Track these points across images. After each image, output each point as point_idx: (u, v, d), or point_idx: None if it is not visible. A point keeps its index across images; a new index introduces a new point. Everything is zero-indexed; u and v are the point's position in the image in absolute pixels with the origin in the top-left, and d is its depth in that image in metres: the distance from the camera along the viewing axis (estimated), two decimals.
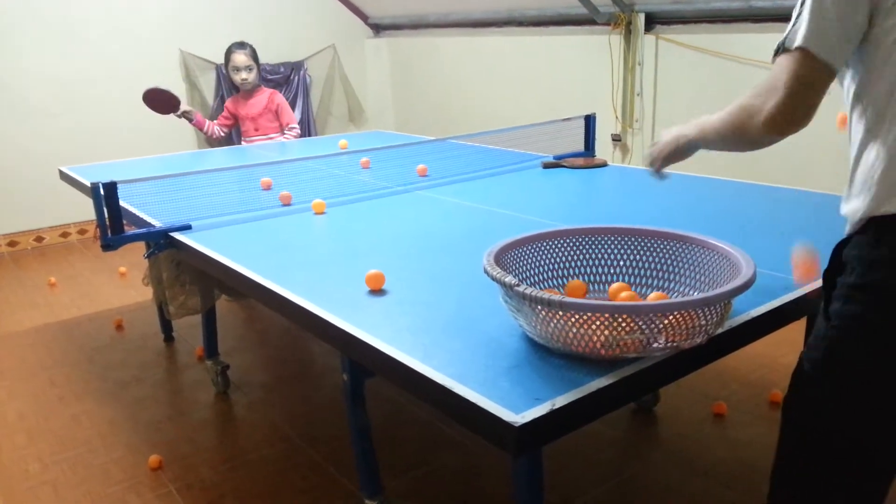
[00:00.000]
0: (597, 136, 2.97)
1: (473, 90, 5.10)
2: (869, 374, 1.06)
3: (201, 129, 3.96)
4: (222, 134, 4.02)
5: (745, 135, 1.13)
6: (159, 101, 3.72)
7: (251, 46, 3.94)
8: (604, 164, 2.75)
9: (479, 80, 5.03)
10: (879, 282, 1.03)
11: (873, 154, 1.04)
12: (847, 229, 1.10)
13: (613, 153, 4.17)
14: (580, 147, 2.94)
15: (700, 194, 2.27)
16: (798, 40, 1.04)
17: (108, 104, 4.84)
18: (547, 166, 2.76)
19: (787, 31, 1.06)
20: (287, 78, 5.40)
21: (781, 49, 1.07)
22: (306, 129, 5.45)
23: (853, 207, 1.08)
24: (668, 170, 1.46)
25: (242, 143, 4.03)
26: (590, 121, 2.95)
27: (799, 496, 1.18)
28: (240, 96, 3.99)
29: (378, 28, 5.90)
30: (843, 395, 1.09)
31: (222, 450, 2.30)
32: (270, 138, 3.97)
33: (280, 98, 4.03)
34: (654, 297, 1.32)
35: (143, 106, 3.71)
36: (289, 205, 2.31)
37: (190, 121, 3.87)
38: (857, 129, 1.08)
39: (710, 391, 2.50)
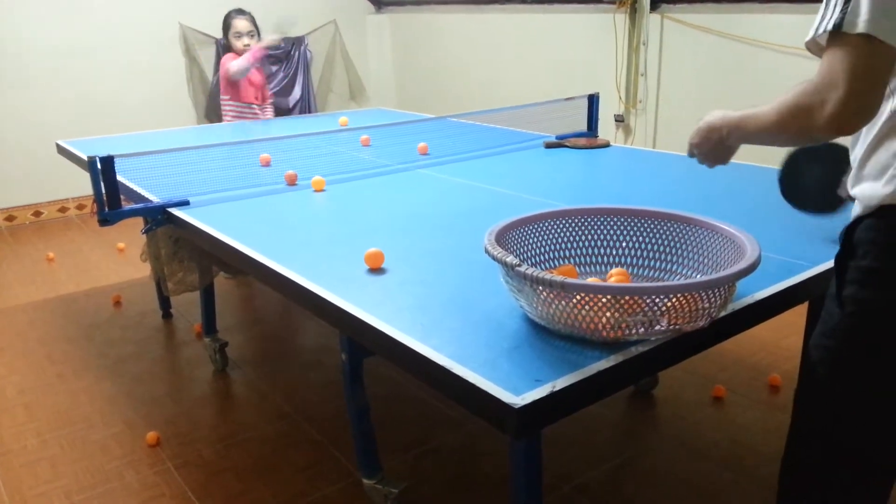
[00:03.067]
0: (600, 116, 2.94)
1: (476, 68, 5.05)
2: (886, 361, 1.03)
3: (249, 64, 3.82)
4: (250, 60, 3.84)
5: (803, 135, 1.04)
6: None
7: (251, 14, 3.90)
8: (606, 145, 2.73)
9: (482, 58, 4.98)
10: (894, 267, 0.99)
11: None
12: (858, 210, 1.06)
13: (616, 133, 4.13)
14: (583, 127, 2.91)
15: (703, 176, 2.24)
16: (861, 25, 0.91)
17: (108, 78, 4.80)
18: (549, 146, 2.74)
19: (831, 14, 0.94)
20: (287, 53, 5.34)
21: (833, 34, 0.94)
22: (307, 105, 5.41)
23: (868, 190, 1.03)
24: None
25: (246, 116, 3.93)
26: (593, 100, 2.92)
27: (812, 487, 1.16)
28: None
29: (380, 4, 5.83)
30: (864, 383, 1.06)
31: (220, 427, 2.30)
32: (268, 109, 3.98)
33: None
34: (616, 274, 1.30)
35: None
36: (294, 185, 2.28)
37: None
38: (882, 110, 1.00)
39: (710, 374, 2.50)
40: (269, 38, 3.84)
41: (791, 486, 1.21)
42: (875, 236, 1.02)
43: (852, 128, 0.98)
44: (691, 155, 1.35)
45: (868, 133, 1.04)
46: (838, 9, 0.94)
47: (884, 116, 1.01)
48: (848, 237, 1.07)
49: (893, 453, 1.09)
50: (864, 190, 1.04)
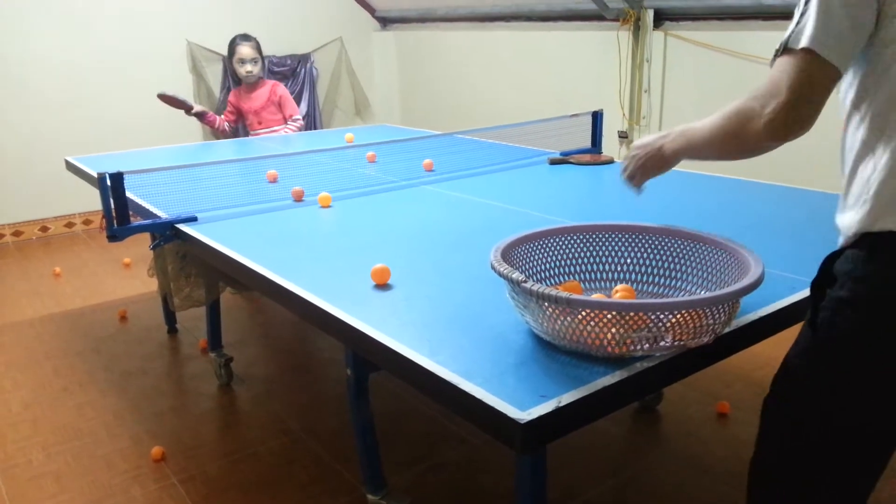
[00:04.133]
0: (604, 132, 2.96)
1: (480, 85, 5.09)
2: (852, 387, 1.04)
3: (213, 127, 3.97)
4: (229, 129, 4.02)
5: (741, 142, 1.07)
6: (172, 103, 3.78)
7: (255, 39, 3.93)
8: (610, 161, 2.74)
9: (487, 75, 5.02)
10: (868, 298, 1.00)
11: (870, 167, 1.00)
12: (840, 241, 1.08)
13: (620, 150, 4.15)
14: (587, 143, 2.93)
15: (706, 192, 2.26)
16: (804, 41, 0.98)
17: (115, 94, 4.84)
18: (553, 162, 2.76)
19: (789, 31, 1.01)
20: (293, 70, 5.39)
21: (783, 50, 1.01)
22: (312, 122, 5.45)
23: (847, 220, 1.04)
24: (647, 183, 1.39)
25: (249, 137, 4.02)
26: (597, 117, 2.94)
27: (774, 497, 1.18)
28: (242, 89, 3.98)
29: (385, 21, 5.88)
30: (825, 405, 1.07)
31: (225, 442, 2.30)
32: (274, 131, 3.96)
33: (282, 89, 4.02)
34: (621, 290, 1.31)
35: (149, 97, 3.73)
36: (301, 201, 2.30)
37: (200, 119, 3.88)
38: (854, 139, 1.04)
39: (714, 390, 2.50)
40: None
41: (755, 494, 1.23)
42: (852, 268, 1.03)
43: (786, 134, 1.02)
44: (625, 170, 1.39)
45: (846, 164, 1.07)
46: (790, 29, 1.01)
47: (856, 146, 1.03)
48: (829, 265, 1.08)
49: (852, 472, 1.09)
50: (843, 220, 1.06)
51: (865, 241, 1.02)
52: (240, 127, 4.11)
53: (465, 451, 2.19)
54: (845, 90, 1.07)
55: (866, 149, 1.02)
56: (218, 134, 4.14)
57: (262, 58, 3.96)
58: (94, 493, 2.05)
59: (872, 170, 1.00)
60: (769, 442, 1.18)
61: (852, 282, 1.02)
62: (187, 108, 3.79)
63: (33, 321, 3.35)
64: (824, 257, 1.10)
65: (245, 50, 3.86)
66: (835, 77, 1.00)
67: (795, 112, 1.00)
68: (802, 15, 1.00)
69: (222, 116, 4.01)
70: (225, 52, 4.38)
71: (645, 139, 1.34)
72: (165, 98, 3.74)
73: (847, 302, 1.03)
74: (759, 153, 1.09)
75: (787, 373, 1.14)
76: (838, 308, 1.04)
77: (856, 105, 1.04)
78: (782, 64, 1.01)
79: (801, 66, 0.99)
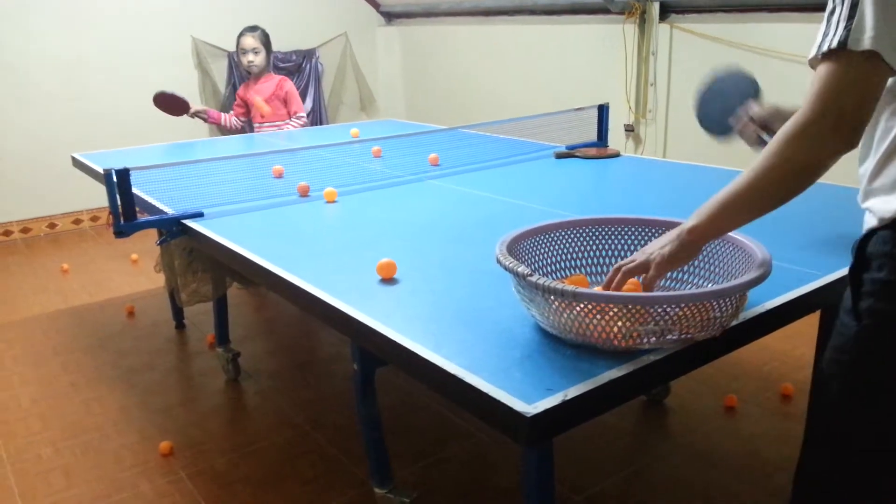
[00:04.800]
0: (610, 126, 2.95)
1: (485, 79, 5.08)
2: None
3: (218, 124, 3.97)
4: (239, 124, 4.01)
5: (800, 168, 1.01)
6: (169, 104, 3.73)
7: (263, 30, 3.92)
8: (617, 155, 2.73)
9: (492, 69, 5.01)
10: None
11: None
12: (871, 223, 1.05)
13: (626, 143, 4.14)
14: (593, 137, 2.92)
15: (713, 185, 2.23)
16: (866, 42, 0.91)
17: (122, 91, 4.85)
18: (559, 156, 2.75)
19: (833, 30, 0.94)
20: (299, 66, 5.39)
21: (835, 50, 0.93)
22: (318, 117, 5.45)
23: (880, 203, 1.02)
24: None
25: (253, 132, 4.02)
26: (603, 111, 2.93)
27: (823, 498, 1.14)
28: (250, 81, 3.98)
29: (390, 16, 5.87)
30: (880, 395, 1.04)
31: (233, 437, 2.31)
32: (277, 126, 3.95)
33: (289, 85, 4.01)
34: (629, 284, 1.30)
35: (154, 93, 3.71)
36: (306, 196, 2.30)
37: (205, 120, 3.87)
38: (890, 125, 1.01)
39: (721, 384, 2.49)
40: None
41: (803, 497, 1.21)
42: (891, 249, 1.01)
43: (855, 140, 0.98)
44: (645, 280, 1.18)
45: (878, 148, 1.04)
46: (842, 26, 0.94)
47: (893, 132, 1.01)
48: (861, 250, 1.06)
49: None
50: (876, 203, 1.04)
51: None
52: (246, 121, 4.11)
53: (471, 446, 2.20)
54: None
55: None
56: (227, 131, 4.13)
57: (268, 50, 3.95)
58: (103, 488, 2.07)
59: None
60: (819, 449, 1.14)
61: (894, 261, 0.99)
62: (186, 108, 3.75)
63: (41, 317, 3.37)
64: (855, 242, 1.07)
65: (247, 40, 3.85)
66: (889, 77, 0.95)
67: (860, 117, 0.95)
68: (853, 8, 0.93)
69: (230, 112, 4.01)
70: (230, 48, 4.39)
71: (649, 249, 1.17)
72: (163, 98, 3.68)
73: (891, 284, 1.00)
74: (813, 179, 1.02)
75: (830, 372, 1.09)
76: (883, 291, 1.01)
77: (893, 90, 1.00)
78: (834, 68, 0.94)
79: (862, 70, 0.93)
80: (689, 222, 1.15)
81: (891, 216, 1.01)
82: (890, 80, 1.00)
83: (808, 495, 1.19)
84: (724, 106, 1.70)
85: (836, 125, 0.96)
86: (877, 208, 1.04)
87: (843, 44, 0.93)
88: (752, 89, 1.70)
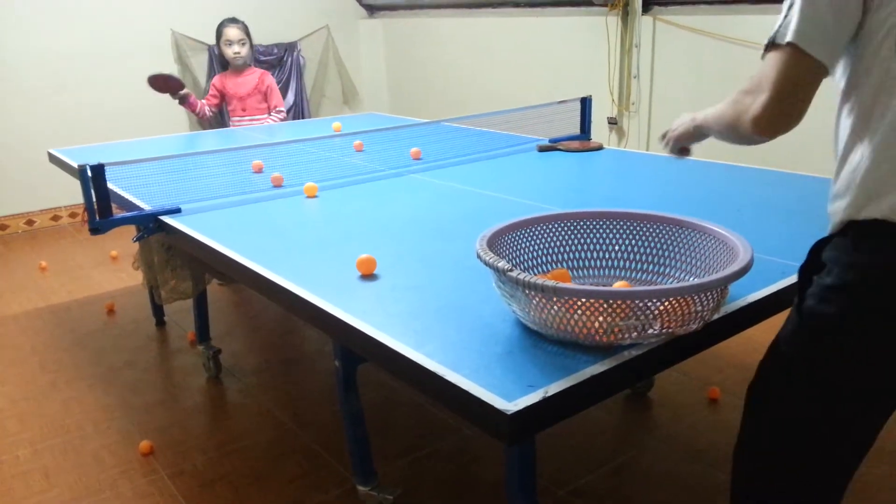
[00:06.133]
0: (593, 118, 2.94)
1: (469, 72, 5.06)
2: (837, 375, 1.04)
3: (194, 111, 3.92)
4: (210, 113, 3.96)
5: (737, 132, 1.09)
6: (163, 84, 3.71)
7: (244, 23, 3.89)
8: (600, 148, 2.73)
9: (475, 62, 4.99)
10: (854, 285, 1.00)
11: (857, 155, 1.00)
12: (829, 229, 1.07)
13: (609, 136, 4.14)
14: (576, 130, 2.91)
15: (696, 178, 2.25)
16: (788, 35, 0.97)
17: (100, 85, 4.78)
18: (542, 149, 2.74)
19: (777, 25, 1.01)
20: (280, 59, 5.34)
21: (771, 44, 1.01)
22: (300, 111, 5.41)
23: (835, 208, 1.04)
24: (687, 153, 1.42)
25: (230, 124, 3.98)
26: (586, 103, 2.92)
27: (759, 484, 1.17)
28: (229, 73, 3.93)
29: (372, 9, 5.83)
30: (811, 393, 1.07)
31: (214, 435, 2.29)
32: (256, 120, 3.92)
33: (270, 79, 3.98)
34: (619, 286, 1.30)
35: (135, 87, 3.68)
36: (280, 187, 2.29)
37: (184, 102, 3.82)
38: (844, 127, 1.04)
39: (705, 376, 2.50)
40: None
41: (739, 480, 1.22)
42: (839, 255, 1.03)
43: (773, 131, 1.03)
44: (665, 144, 1.42)
45: (836, 150, 1.06)
46: (778, 23, 1.00)
47: (846, 134, 1.03)
48: (817, 252, 1.08)
49: (837, 458, 1.09)
50: (833, 207, 1.06)
51: (851, 229, 1.01)
52: (224, 113, 4.06)
53: (456, 441, 2.18)
54: (839, 77, 1.05)
55: (854, 137, 1.01)
56: (200, 119, 4.09)
57: (251, 42, 3.92)
58: (83, 489, 2.04)
59: (860, 158, 1.00)
60: (755, 427, 1.18)
61: (839, 269, 1.02)
62: (180, 87, 3.72)
63: (18, 316, 3.32)
64: (813, 243, 1.09)
65: (232, 32, 3.83)
66: (820, 72, 0.99)
67: (780, 109, 1.00)
68: (790, 7, 0.99)
69: (203, 101, 3.95)
70: (210, 41, 4.33)
71: (683, 115, 1.37)
72: (157, 80, 3.66)
73: (833, 289, 1.02)
74: (758, 143, 1.08)
75: (774, 358, 1.14)
76: (824, 295, 1.03)
77: (846, 93, 1.03)
78: (769, 59, 1.01)
79: (786, 62, 0.98)
80: (696, 117, 1.29)
81: (838, 221, 1.04)
82: (843, 83, 1.03)
83: (746, 482, 1.21)
84: None
85: (757, 114, 1.01)
86: (832, 212, 1.06)
87: (771, 39, 1.01)
88: None
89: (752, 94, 1.02)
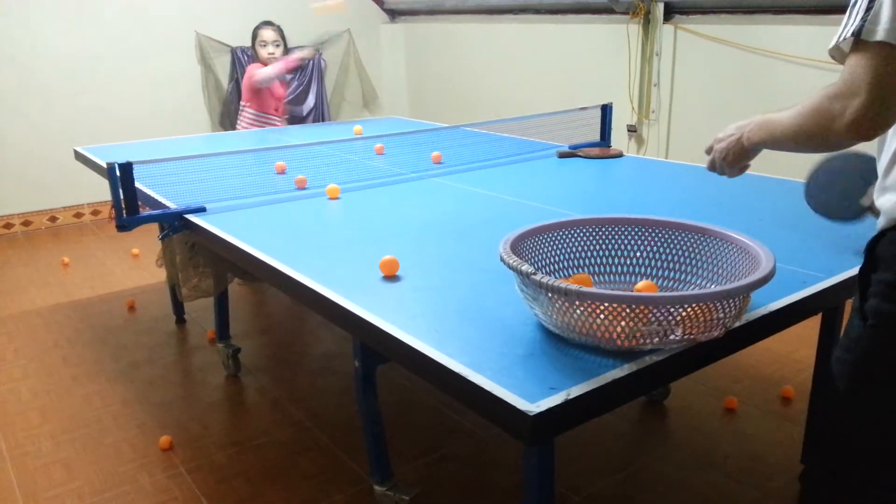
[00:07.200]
0: (613, 126, 2.95)
1: (489, 78, 5.07)
2: None
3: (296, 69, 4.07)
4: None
5: (824, 141, 1.04)
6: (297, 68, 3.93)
7: (279, 26, 4.02)
8: (619, 155, 2.73)
9: (495, 68, 5.00)
10: None
11: None
12: (881, 223, 1.05)
13: (629, 144, 4.14)
14: (596, 137, 2.92)
15: (717, 186, 2.24)
16: (879, 34, 0.93)
17: (124, 85, 4.85)
18: (562, 156, 2.75)
19: (854, 21, 0.96)
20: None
21: (855, 42, 0.96)
22: (320, 114, 5.44)
23: (891, 202, 1.02)
24: (746, 167, 1.36)
25: (271, 123, 4.06)
26: (606, 111, 2.93)
27: (836, 499, 1.15)
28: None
29: (394, 13, 5.87)
30: (884, 395, 1.05)
31: (232, 432, 2.31)
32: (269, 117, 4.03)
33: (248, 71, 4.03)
34: (642, 286, 1.31)
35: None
36: (304, 189, 2.31)
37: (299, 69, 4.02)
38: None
39: (722, 385, 2.49)
40: (305, 51, 3.93)
41: (816, 499, 1.21)
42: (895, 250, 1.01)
43: (872, 134, 0.99)
44: (711, 164, 1.37)
45: (891, 143, 1.04)
46: (859, 16, 0.95)
47: (894, 129, 1.01)
48: (871, 250, 1.06)
49: None
50: (886, 202, 1.04)
51: None
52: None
53: (472, 444, 2.20)
54: None
55: None
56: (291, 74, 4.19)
57: (286, 45, 4.02)
58: (103, 482, 2.07)
59: None
60: (823, 448, 1.16)
61: None
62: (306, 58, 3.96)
63: (42, 310, 3.37)
64: (867, 243, 1.08)
65: (268, 33, 3.94)
66: None
67: (877, 110, 0.96)
68: (865, 9, 0.95)
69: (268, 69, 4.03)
70: (233, 43, 4.39)
71: (724, 131, 1.32)
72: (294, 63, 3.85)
73: (894, 286, 1.00)
74: (844, 147, 1.06)
75: (837, 371, 1.11)
76: (887, 292, 1.01)
77: None
78: (857, 60, 0.96)
79: (880, 62, 0.94)
80: (747, 132, 1.25)
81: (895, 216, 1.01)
82: None
83: (816, 496, 1.19)
84: (845, 190, 1.50)
85: (854, 118, 0.97)
86: (886, 207, 1.04)
87: (857, 33, 0.95)
88: (860, 164, 1.46)
89: (843, 99, 0.97)
